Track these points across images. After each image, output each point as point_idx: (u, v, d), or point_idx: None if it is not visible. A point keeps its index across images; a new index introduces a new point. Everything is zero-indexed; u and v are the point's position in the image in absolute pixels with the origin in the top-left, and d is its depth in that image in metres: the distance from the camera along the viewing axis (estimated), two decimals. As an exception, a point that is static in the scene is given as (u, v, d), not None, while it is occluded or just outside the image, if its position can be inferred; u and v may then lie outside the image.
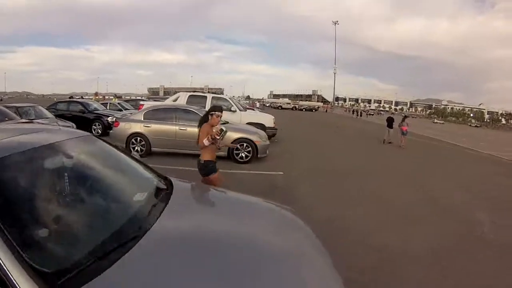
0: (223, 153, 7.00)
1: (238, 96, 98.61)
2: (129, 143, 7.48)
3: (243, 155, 7.24)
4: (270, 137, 9.05)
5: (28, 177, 1.48)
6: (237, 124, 8.65)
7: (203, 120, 3.60)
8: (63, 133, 1.96)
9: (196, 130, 6.36)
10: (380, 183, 6.62)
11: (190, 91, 12.34)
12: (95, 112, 11.40)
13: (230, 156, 7.17)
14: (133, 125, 7.59)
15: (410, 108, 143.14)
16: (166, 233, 1.49)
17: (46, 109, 12.11)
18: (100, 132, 10.43)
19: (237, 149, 7.14)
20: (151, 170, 2.13)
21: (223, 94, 20.22)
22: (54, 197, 1.56)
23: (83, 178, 1.82)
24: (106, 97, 16.20)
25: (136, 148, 7.40)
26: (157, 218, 1.53)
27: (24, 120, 6.35)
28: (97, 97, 16.49)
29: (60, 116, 10.19)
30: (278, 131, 11.31)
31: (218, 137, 3.38)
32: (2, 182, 1.32)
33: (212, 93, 13.79)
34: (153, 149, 7.43)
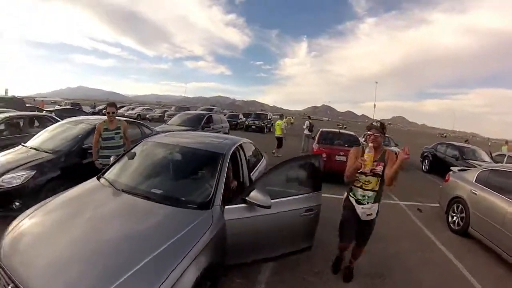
0: None
1: None
2: (450, 209, 5.20)
3: None
4: None
5: None
6: None
7: None
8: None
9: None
10: None
11: None
12: (466, 160, 9.17)
13: None
14: (460, 185, 5.09)
15: None
16: None
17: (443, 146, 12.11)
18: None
19: None
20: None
21: None
22: None
23: None
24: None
25: (454, 219, 5.00)
26: None
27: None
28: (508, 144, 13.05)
29: (430, 155, 11.44)
30: None
31: None
32: None
33: None
34: (470, 229, 4.54)
